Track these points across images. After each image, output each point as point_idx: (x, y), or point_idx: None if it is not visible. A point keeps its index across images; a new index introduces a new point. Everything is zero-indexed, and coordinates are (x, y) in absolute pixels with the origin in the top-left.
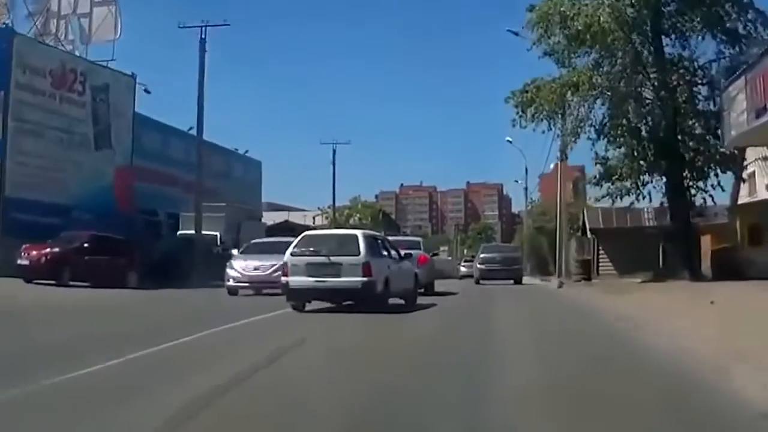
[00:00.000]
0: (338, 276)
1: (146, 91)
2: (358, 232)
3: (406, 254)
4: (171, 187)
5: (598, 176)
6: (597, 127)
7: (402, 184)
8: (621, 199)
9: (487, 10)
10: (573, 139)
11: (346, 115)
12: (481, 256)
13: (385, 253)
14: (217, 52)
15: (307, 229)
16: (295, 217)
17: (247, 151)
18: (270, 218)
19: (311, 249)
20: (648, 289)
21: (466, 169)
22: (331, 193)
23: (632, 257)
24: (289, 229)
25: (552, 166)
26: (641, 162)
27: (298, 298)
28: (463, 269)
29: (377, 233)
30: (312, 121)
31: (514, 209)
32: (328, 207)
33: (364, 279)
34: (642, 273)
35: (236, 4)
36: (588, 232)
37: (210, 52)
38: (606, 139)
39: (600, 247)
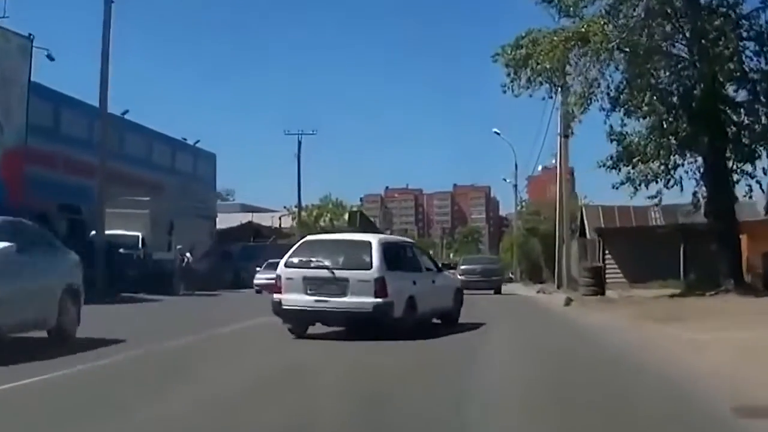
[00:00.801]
0: (344, 295)
1: (50, 57)
2: (372, 238)
3: (444, 265)
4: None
5: (614, 157)
6: (612, 93)
7: (387, 187)
8: (647, 186)
9: (482, 8)
10: (581, 109)
11: (330, 117)
12: (462, 267)
13: (411, 264)
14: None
15: (273, 232)
16: (269, 220)
17: (197, 142)
18: (241, 221)
19: (311, 259)
20: (702, 309)
21: (453, 171)
22: (313, 190)
23: (644, 262)
24: (253, 230)
25: (540, 168)
26: (671, 137)
27: (294, 321)
28: None
29: (402, 238)
30: (292, 123)
31: (502, 212)
32: (296, 206)
33: (378, 300)
34: (658, 281)
35: None
36: (587, 233)
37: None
38: (624, 109)
39: (606, 251)
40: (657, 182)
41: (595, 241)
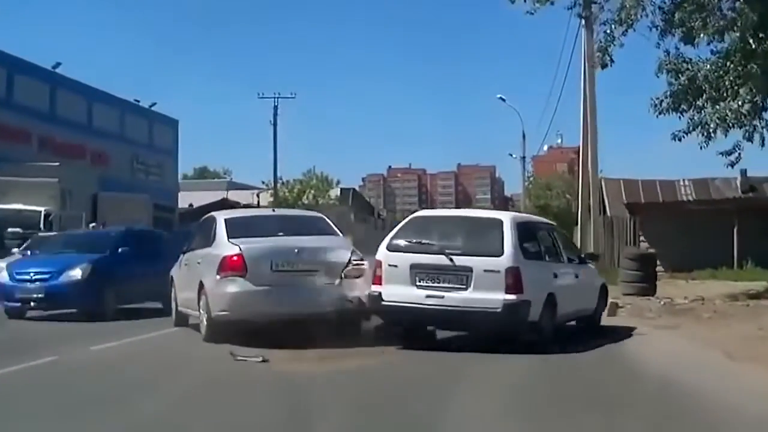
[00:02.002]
0: (464, 288)
1: None
2: (504, 215)
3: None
4: (23, 144)
5: (674, 94)
6: (666, 5)
7: (390, 167)
8: (726, 133)
9: None
10: (623, 27)
11: (331, 96)
12: None
13: (551, 252)
14: None
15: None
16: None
17: (154, 105)
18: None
19: (422, 241)
20: None
21: (458, 151)
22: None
23: (686, 246)
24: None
25: (546, 148)
26: (756, 65)
27: (400, 321)
28: None
29: (539, 218)
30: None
31: (508, 192)
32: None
33: (510, 298)
34: (707, 270)
35: None
36: (608, 210)
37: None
38: (683, 29)
39: (639, 232)
40: (737, 127)
41: (622, 219)
